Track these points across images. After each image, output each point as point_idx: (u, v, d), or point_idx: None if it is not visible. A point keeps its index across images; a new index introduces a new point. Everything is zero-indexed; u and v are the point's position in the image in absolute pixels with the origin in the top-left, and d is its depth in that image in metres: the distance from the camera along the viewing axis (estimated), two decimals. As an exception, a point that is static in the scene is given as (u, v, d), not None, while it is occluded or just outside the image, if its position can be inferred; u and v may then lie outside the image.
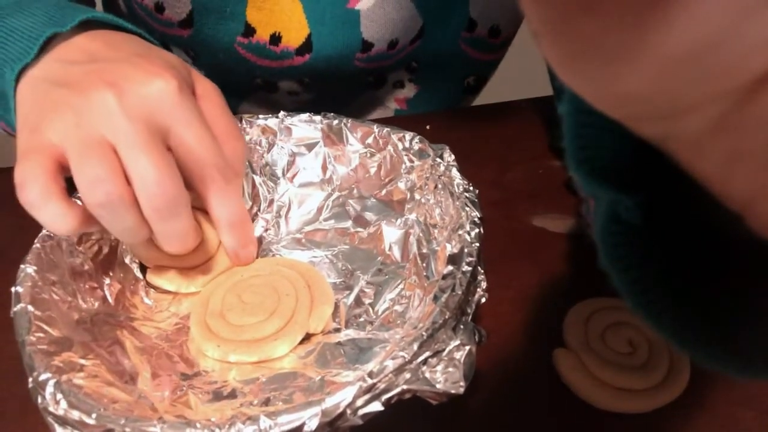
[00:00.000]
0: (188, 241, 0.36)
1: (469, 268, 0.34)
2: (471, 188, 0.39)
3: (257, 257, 0.43)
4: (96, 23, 0.39)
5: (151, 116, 0.33)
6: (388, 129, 0.44)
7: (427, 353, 0.30)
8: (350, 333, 0.37)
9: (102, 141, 0.32)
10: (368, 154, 0.45)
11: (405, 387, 0.29)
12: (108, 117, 0.32)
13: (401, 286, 0.40)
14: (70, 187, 0.33)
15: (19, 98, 0.36)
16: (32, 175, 0.32)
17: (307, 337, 0.37)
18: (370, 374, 0.28)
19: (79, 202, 0.38)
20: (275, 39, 0.55)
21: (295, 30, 0.55)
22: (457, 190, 0.39)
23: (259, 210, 0.46)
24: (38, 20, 0.38)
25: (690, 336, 0.20)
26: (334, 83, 0.61)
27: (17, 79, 0.36)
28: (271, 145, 0.46)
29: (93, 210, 0.32)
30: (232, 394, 0.33)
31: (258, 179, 0.46)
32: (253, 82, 0.61)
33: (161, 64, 0.35)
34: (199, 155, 0.34)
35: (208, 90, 0.39)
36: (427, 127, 0.59)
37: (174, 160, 0.34)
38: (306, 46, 0.56)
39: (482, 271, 0.35)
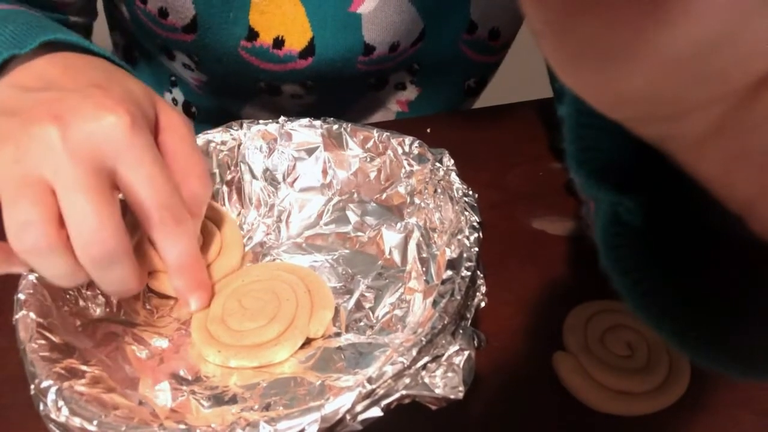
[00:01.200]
0: (129, 288, 0.33)
1: (468, 273, 0.34)
2: (470, 192, 0.39)
3: (259, 262, 0.44)
4: (60, 45, 0.37)
5: (96, 155, 0.31)
6: (388, 133, 0.44)
7: (427, 358, 0.30)
8: (351, 337, 0.38)
9: (39, 181, 0.30)
10: (368, 159, 0.45)
11: (404, 392, 0.29)
12: (49, 154, 0.30)
13: (401, 290, 0.40)
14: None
15: None
16: None
17: (308, 342, 0.37)
18: (370, 380, 0.29)
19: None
20: (278, 43, 0.56)
21: (297, 34, 0.55)
22: (456, 195, 0.39)
23: (259, 215, 0.46)
24: (2, 41, 0.36)
25: (691, 337, 0.20)
26: (336, 86, 0.61)
27: None
28: (271, 150, 0.46)
29: (20, 255, 0.30)
30: (233, 400, 0.34)
31: (259, 184, 0.46)
32: (257, 86, 0.61)
33: (119, 95, 0.33)
34: (148, 197, 0.32)
35: (173, 122, 0.36)
36: (428, 130, 0.59)
37: (118, 204, 0.31)
38: (309, 50, 0.56)
39: (481, 275, 0.35)
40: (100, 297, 0.38)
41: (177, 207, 0.33)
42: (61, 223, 0.30)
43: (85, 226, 0.30)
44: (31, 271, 0.33)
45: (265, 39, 0.55)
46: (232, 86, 0.62)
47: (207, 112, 0.67)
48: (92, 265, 0.31)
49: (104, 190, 0.31)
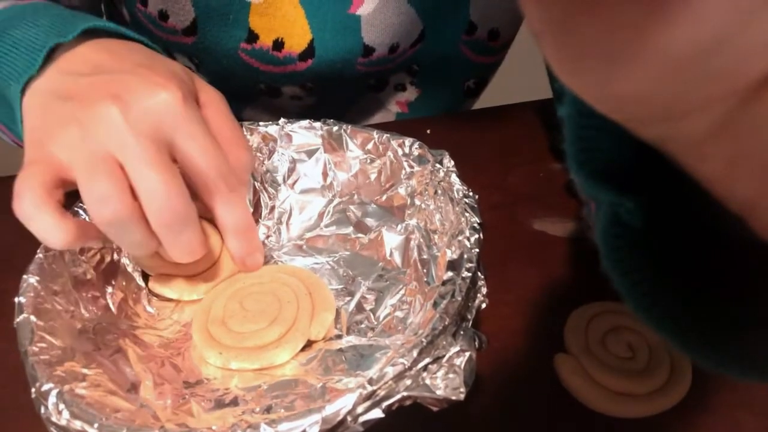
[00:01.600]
0: (197, 251, 0.36)
1: (469, 274, 0.34)
2: (470, 194, 0.39)
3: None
4: (99, 32, 0.39)
5: (156, 129, 0.33)
6: (388, 135, 0.44)
7: (427, 360, 0.30)
8: (352, 339, 0.38)
9: (108, 157, 0.32)
10: (368, 160, 0.45)
11: (405, 394, 0.29)
12: (113, 132, 0.32)
13: (402, 291, 0.40)
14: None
15: (25, 110, 0.36)
16: (28, 187, 0.32)
17: (309, 344, 0.37)
18: (370, 381, 0.29)
19: (83, 215, 0.38)
20: (278, 45, 0.56)
21: (297, 36, 0.55)
22: (456, 196, 0.39)
23: (260, 217, 0.46)
24: (41, 31, 0.38)
25: (692, 338, 0.20)
26: (336, 87, 0.61)
27: (23, 91, 0.37)
28: (271, 152, 0.46)
29: (101, 227, 0.33)
30: (234, 402, 0.34)
31: (259, 186, 0.46)
32: (257, 88, 0.61)
33: (165, 74, 0.35)
34: (204, 166, 0.35)
35: (212, 98, 0.39)
36: (428, 131, 0.59)
37: (179, 172, 0.34)
38: (308, 52, 0.56)
39: (482, 276, 0.35)
40: (100, 299, 0.38)
41: (230, 175, 0.36)
42: (134, 194, 0.32)
43: (156, 194, 0.32)
44: (106, 242, 0.35)
45: (265, 41, 0.55)
46: (232, 88, 0.62)
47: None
48: (166, 231, 0.33)
49: (166, 159, 0.33)
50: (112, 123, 0.32)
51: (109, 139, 0.32)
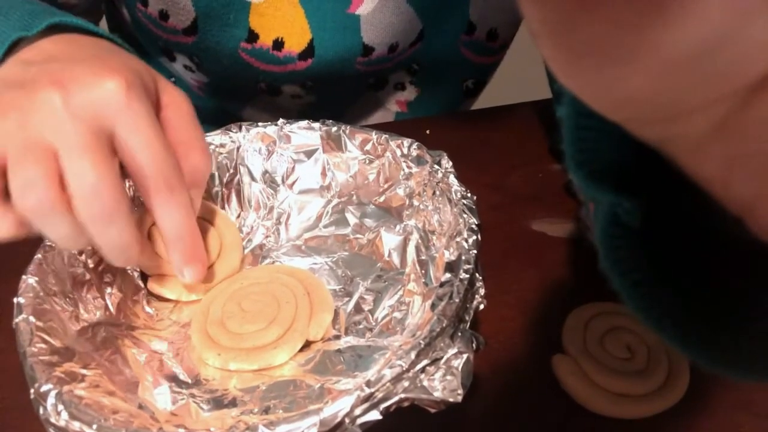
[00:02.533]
0: (127, 250, 0.33)
1: (467, 276, 0.34)
2: (469, 194, 0.39)
3: (259, 264, 0.44)
4: (66, 27, 0.38)
5: (96, 118, 0.32)
6: (387, 135, 0.44)
7: (425, 361, 0.30)
8: (350, 340, 0.38)
9: (41, 143, 0.31)
10: (367, 161, 0.45)
11: (403, 395, 0.29)
12: (50, 117, 0.31)
13: (400, 292, 0.40)
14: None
15: None
16: None
17: (307, 345, 0.37)
18: (368, 383, 0.29)
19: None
20: (278, 44, 0.56)
21: (297, 35, 0.55)
22: (454, 197, 0.39)
23: (258, 217, 0.46)
24: (9, 25, 0.37)
25: (691, 339, 0.20)
26: (336, 86, 0.61)
27: None
28: (270, 153, 0.46)
29: (26, 215, 0.31)
30: (233, 403, 0.34)
31: (258, 186, 0.46)
32: (257, 87, 0.61)
33: (118, 66, 0.34)
34: (143, 161, 0.33)
35: (174, 99, 0.37)
36: (427, 131, 0.59)
37: (117, 165, 0.32)
38: (308, 51, 0.56)
39: (480, 277, 0.36)
40: (99, 300, 0.38)
41: (172, 175, 0.34)
42: (62, 184, 0.31)
43: (85, 182, 0.31)
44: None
45: (265, 41, 0.55)
46: (232, 87, 0.63)
47: (208, 113, 0.67)
48: (92, 223, 0.32)
49: (103, 150, 0.32)
50: (51, 109, 0.31)
51: (46, 124, 0.31)
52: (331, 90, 0.62)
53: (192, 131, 0.37)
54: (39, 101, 0.32)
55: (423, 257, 0.40)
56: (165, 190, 0.34)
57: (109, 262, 0.35)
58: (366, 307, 0.40)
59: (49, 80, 0.32)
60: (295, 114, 0.47)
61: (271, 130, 0.46)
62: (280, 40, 0.56)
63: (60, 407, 0.29)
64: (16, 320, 0.33)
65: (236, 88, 0.62)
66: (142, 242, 0.36)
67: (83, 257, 0.38)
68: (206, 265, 0.39)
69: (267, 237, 0.45)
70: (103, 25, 0.66)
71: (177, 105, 0.37)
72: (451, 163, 0.41)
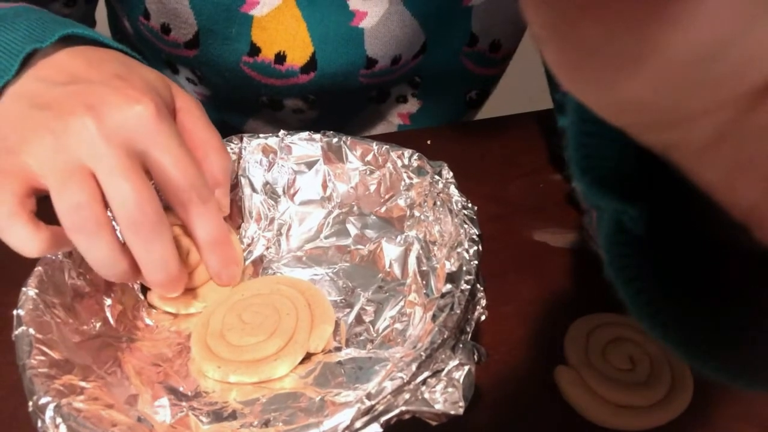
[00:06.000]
0: (171, 267, 0.35)
1: (468, 287, 0.34)
2: (469, 205, 0.39)
3: (259, 275, 0.44)
4: (77, 39, 0.39)
5: (129, 141, 0.33)
6: (387, 146, 0.44)
7: (426, 373, 0.30)
8: (351, 352, 0.37)
9: (81, 167, 0.32)
10: (368, 172, 0.45)
11: (404, 408, 0.29)
12: (87, 142, 0.32)
13: (402, 303, 0.40)
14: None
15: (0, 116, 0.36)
16: (0, 200, 0.32)
17: (308, 357, 0.37)
18: (369, 396, 0.28)
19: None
20: (280, 58, 0.56)
21: (299, 49, 0.55)
22: (455, 207, 0.39)
23: (258, 228, 0.46)
24: (19, 35, 0.37)
25: (695, 347, 0.19)
26: (338, 99, 0.61)
27: None
28: (271, 164, 0.47)
29: (71, 236, 0.32)
30: (233, 416, 0.33)
31: (259, 197, 0.46)
32: (259, 100, 0.61)
33: (141, 86, 0.35)
34: (176, 178, 0.35)
35: (188, 104, 0.39)
36: (428, 142, 0.59)
37: (151, 183, 0.34)
38: (311, 65, 0.56)
39: (481, 288, 0.35)
40: (99, 312, 0.38)
41: (203, 187, 0.36)
42: (106, 204, 0.33)
43: (129, 202, 0.32)
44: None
45: (267, 54, 0.56)
46: (234, 101, 0.63)
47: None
48: (136, 239, 0.33)
49: (139, 170, 0.33)
50: (87, 133, 0.33)
51: (83, 149, 0.32)
52: (334, 103, 0.62)
53: (207, 132, 0.39)
54: (73, 125, 0.33)
55: (424, 268, 0.40)
56: (198, 202, 0.36)
57: (148, 284, 0.36)
58: (367, 319, 0.39)
59: (81, 104, 0.33)
60: (297, 128, 0.47)
61: (272, 141, 0.46)
62: (282, 53, 0.56)
63: (58, 420, 0.29)
64: (16, 332, 0.33)
65: (238, 101, 0.63)
66: (183, 263, 0.37)
67: (83, 269, 0.38)
68: (241, 268, 0.41)
69: (268, 248, 0.45)
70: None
71: (190, 109, 0.39)
72: (451, 174, 0.41)
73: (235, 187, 0.46)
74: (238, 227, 0.46)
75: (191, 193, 0.35)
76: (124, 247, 0.34)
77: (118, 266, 0.34)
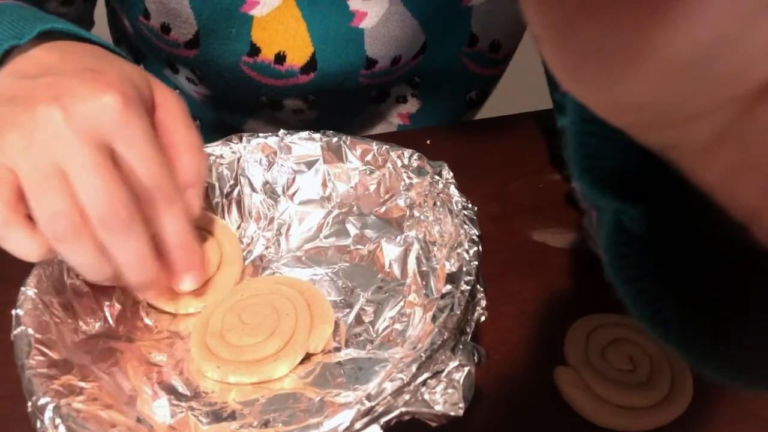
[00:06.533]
0: (146, 263, 0.34)
1: (468, 287, 0.34)
2: (469, 205, 0.39)
3: (259, 275, 0.43)
4: (57, 34, 0.38)
5: (96, 133, 0.32)
6: (387, 146, 0.44)
7: (426, 374, 0.30)
8: (350, 352, 0.37)
9: (54, 168, 0.32)
10: (367, 172, 0.45)
11: (404, 409, 0.29)
12: (55, 136, 0.32)
13: (401, 303, 0.40)
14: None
15: None
16: None
17: (307, 357, 0.37)
18: (369, 396, 0.28)
19: None
20: (280, 58, 0.56)
21: (299, 49, 0.55)
22: (455, 208, 0.39)
23: (258, 228, 0.46)
24: (0, 33, 0.37)
25: (696, 347, 0.19)
26: (338, 99, 0.61)
27: None
28: (271, 164, 0.46)
29: (52, 244, 0.32)
30: (232, 416, 0.33)
31: (258, 197, 0.46)
32: (259, 101, 0.61)
33: (114, 78, 0.34)
34: (141, 175, 0.34)
35: (168, 100, 0.38)
36: (428, 141, 0.59)
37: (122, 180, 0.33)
38: (310, 65, 0.56)
39: (481, 289, 0.35)
40: (98, 312, 0.38)
41: (169, 187, 0.35)
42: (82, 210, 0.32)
43: (99, 199, 0.32)
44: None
45: (267, 54, 0.55)
46: (234, 101, 0.63)
47: (210, 126, 0.68)
48: (110, 237, 0.32)
49: (108, 164, 0.32)
50: (53, 126, 0.32)
51: (51, 144, 0.32)
52: (333, 103, 0.62)
53: (184, 131, 0.38)
54: (39, 118, 0.32)
55: (424, 268, 0.40)
56: (163, 201, 0.35)
57: (130, 285, 0.35)
58: (367, 319, 0.39)
59: (46, 95, 0.32)
60: (296, 128, 0.47)
61: (271, 140, 0.46)
62: (282, 53, 0.56)
63: (57, 420, 0.29)
64: (15, 332, 0.33)
65: (238, 101, 0.62)
66: (157, 257, 0.36)
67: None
68: (205, 274, 0.39)
69: (267, 248, 0.45)
70: (107, 35, 0.66)
71: (169, 105, 0.38)
72: (451, 174, 0.41)
73: (234, 186, 0.46)
74: (238, 227, 0.46)
75: (156, 191, 0.34)
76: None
77: (103, 271, 0.33)
